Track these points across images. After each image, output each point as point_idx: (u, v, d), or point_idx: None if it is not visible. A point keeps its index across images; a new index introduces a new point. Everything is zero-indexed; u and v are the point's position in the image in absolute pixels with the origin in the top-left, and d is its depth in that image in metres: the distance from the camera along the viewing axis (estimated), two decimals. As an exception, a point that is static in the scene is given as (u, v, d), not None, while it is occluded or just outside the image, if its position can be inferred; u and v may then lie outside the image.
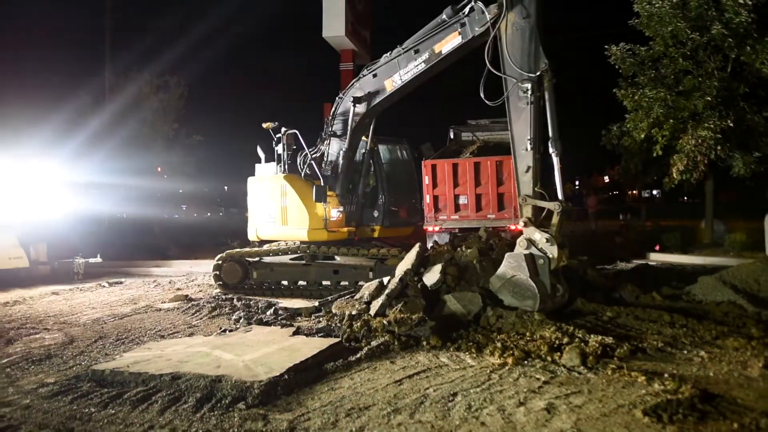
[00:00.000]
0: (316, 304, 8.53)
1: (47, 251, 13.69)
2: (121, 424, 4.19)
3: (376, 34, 21.88)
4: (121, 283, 12.74)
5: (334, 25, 18.37)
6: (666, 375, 4.91)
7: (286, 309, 8.54)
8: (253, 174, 11.60)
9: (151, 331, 7.57)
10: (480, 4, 8.15)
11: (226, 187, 50.41)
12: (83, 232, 15.62)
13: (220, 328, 7.44)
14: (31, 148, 15.11)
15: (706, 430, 3.74)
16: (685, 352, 5.74)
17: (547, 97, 7.74)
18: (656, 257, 14.75)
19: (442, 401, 4.47)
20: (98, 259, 13.57)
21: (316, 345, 6.12)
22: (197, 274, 13.79)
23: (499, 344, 6.01)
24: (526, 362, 5.46)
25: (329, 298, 8.72)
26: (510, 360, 5.49)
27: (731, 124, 13.03)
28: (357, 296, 8.09)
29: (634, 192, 54.60)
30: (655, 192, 56.54)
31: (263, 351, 5.89)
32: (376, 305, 7.35)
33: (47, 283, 12.60)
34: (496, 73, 7.98)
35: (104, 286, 12.18)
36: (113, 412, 4.45)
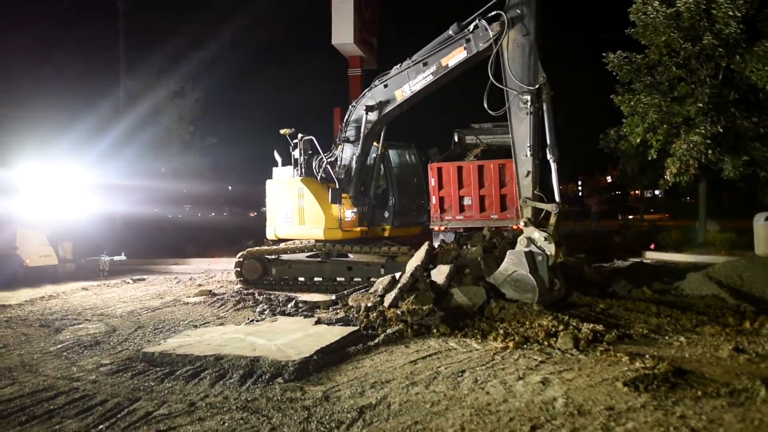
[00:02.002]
0: (333, 297, 9.25)
1: (72, 249, 14.46)
2: (179, 394, 4.92)
3: (382, 40, 22.61)
4: (143, 279, 13.49)
5: (343, 33, 19.10)
6: (647, 356, 5.62)
7: (305, 302, 9.26)
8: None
9: (184, 322, 8.30)
10: (484, 22, 8.86)
11: (230, 187, 51.14)
12: (105, 231, 16.37)
13: (248, 319, 8.19)
14: (59, 153, 15.90)
15: (674, 397, 4.46)
16: (667, 337, 6.46)
17: (545, 107, 8.46)
18: (651, 255, 15.43)
19: (453, 376, 5.20)
20: (122, 257, 14.33)
21: (337, 332, 6.85)
22: (215, 271, 14.54)
23: (501, 331, 6.74)
24: (525, 346, 6.18)
25: (345, 292, 9.44)
26: (511, 344, 6.21)
27: (721, 130, 13.72)
28: (371, 290, 8.81)
29: (637, 192, 55.21)
30: (656, 192, 57.07)
31: (291, 337, 6.62)
32: (389, 298, 8.07)
33: (74, 280, 13.36)
34: (498, 85, 8.72)
35: (128, 283, 12.92)
36: (170, 385, 5.18)
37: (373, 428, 4.04)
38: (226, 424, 4.17)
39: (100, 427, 4.18)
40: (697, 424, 3.93)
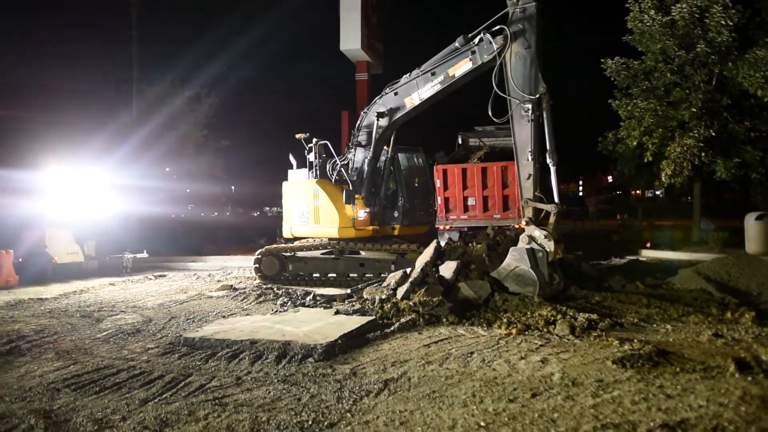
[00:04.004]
0: (349, 291, 9.96)
1: (95, 247, 15.20)
2: (225, 371, 5.64)
3: (387, 44, 23.28)
4: (164, 276, 14.20)
5: (350, 39, 19.79)
6: (635, 340, 6.31)
7: (322, 296, 9.95)
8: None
9: (212, 313, 9.00)
10: (488, 35, 9.56)
11: (233, 188, 51.94)
12: (124, 229, 17.09)
13: (272, 310, 8.90)
14: (84, 157, 16.67)
15: (656, 372, 5.16)
16: (655, 325, 7.17)
17: (545, 115, 9.18)
18: (647, 253, 16.07)
19: (463, 357, 5.91)
20: (144, 255, 15.05)
21: (356, 321, 7.57)
22: (231, 268, 15.27)
23: (505, 320, 7.45)
24: (526, 332, 6.89)
25: (359, 286, 10.15)
26: (514, 331, 6.92)
27: (714, 134, 14.42)
28: (384, 284, 9.51)
29: (638, 192, 55.70)
30: (657, 192, 57.49)
31: (315, 325, 7.33)
32: (401, 291, 8.77)
33: (99, 276, 14.09)
34: (502, 94, 9.43)
35: (150, 279, 13.63)
36: (214, 364, 5.89)
37: (397, 396, 4.75)
38: (272, 393, 4.88)
39: (165, 395, 4.90)
40: (673, 392, 4.62)
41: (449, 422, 4.10)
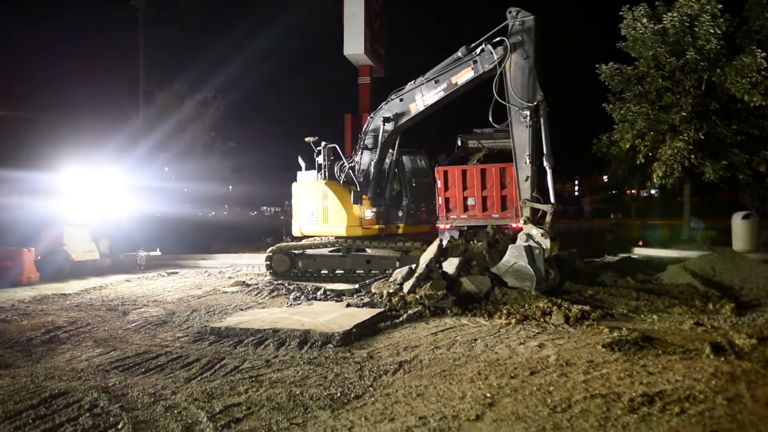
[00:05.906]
0: (357, 286, 10.57)
1: (109, 245, 15.77)
2: (254, 355, 6.25)
3: (389, 48, 23.87)
4: (176, 273, 14.76)
5: (354, 44, 20.36)
6: (624, 328, 6.95)
7: (332, 290, 10.56)
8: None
9: (230, 307, 9.59)
10: (489, 46, 10.21)
11: (230, 187, 52.38)
12: (135, 228, 17.65)
13: (287, 303, 9.51)
14: (100, 158, 17.28)
15: (640, 354, 5.80)
16: (642, 316, 7.82)
17: (542, 121, 9.82)
18: (639, 251, 16.75)
19: (467, 343, 6.54)
20: (158, 253, 15.62)
21: (367, 312, 8.17)
22: (241, 266, 15.86)
23: (504, 311, 8.08)
24: (525, 322, 7.53)
25: (367, 281, 10.76)
26: (513, 320, 7.56)
27: (703, 137, 15.11)
28: (391, 279, 10.13)
29: (633, 191, 56.40)
30: (653, 191, 58.16)
31: (330, 316, 7.94)
32: (408, 285, 9.39)
33: (114, 273, 14.65)
34: (502, 101, 10.08)
35: (164, 276, 14.20)
36: (243, 350, 6.50)
37: (412, 374, 5.38)
38: (300, 372, 5.50)
39: (205, 375, 5.51)
40: (654, 370, 5.26)
41: (459, 394, 4.73)
